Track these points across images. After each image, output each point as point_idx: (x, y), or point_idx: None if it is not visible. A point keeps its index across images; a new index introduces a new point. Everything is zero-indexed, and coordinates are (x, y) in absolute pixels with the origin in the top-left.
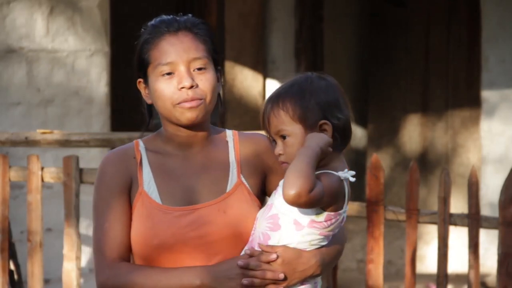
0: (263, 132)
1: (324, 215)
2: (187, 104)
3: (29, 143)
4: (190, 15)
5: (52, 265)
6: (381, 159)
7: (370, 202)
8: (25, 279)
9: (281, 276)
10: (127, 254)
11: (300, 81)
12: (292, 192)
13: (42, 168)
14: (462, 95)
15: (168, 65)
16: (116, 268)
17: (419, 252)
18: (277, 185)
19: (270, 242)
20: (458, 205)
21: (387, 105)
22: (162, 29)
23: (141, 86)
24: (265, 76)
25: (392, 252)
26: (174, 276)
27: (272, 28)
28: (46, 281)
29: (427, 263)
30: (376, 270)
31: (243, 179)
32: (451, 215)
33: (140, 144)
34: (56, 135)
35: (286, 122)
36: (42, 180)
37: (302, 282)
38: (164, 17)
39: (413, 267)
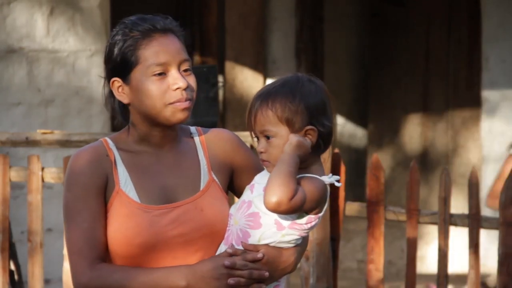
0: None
1: (306, 218)
2: (181, 105)
3: (29, 143)
4: (160, 14)
5: (52, 265)
6: (381, 159)
7: (371, 202)
8: (25, 279)
9: (267, 275)
10: (106, 254)
11: (291, 82)
12: (273, 200)
13: (43, 168)
14: (462, 95)
15: (162, 65)
16: (98, 269)
17: (419, 252)
18: (244, 183)
19: (250, 240)
20: (458, 205)
21: (388, 105)
22: (150, 29)
23: (115, 86)
24: (266, 76)
25: (392, 252)
26: (160, 277)
27: (273, 28)
28: (47, 281)
29: (428, 263)
30: (377, 270)
31: (214, 175)
32: (451, 215)
33: (109, 142)
34: (57, 135)
35: (273, 122)
36: (43, 180)
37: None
38: (144, 16)
39: (413, 267)
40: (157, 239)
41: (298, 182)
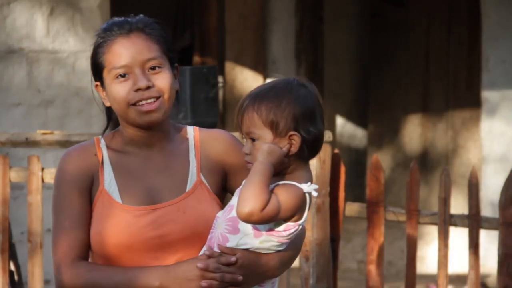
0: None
1: (284, 225)
2: (145, 107)
3: (29, 143)
4: (142, 15)
5: (52, 265)
6: (381, 160)
7: (371, 202)
8: (25, 279)
9: (240, 279)
10: (87, 253)
11: (279, 86)
12: (244, 210)
13: (43, 169)
14: (462, 96)
15: (123, 67)
16: (77, 268)
17: (419, 253)
18: (240, 183)
19: (229, 245)
20: (458, 205)
21: (387, 105)
22: (114, 31)
23: (99, 89)
24: (266, 77)
25: (392, 252)
26: (134, 276)
27: (273, 29)
28: (47, 282)
29: (428, 263)
30: (377, 271)
31: (202, 177)
32: (451, 215)
33: (101, 142)
34: (57, 135)
35: (258, 125)
36: (43, 181)
37: (260, 284)
38: (116, 19)
39: (413, 267)
40: (134, 239)
41: (274, 190)
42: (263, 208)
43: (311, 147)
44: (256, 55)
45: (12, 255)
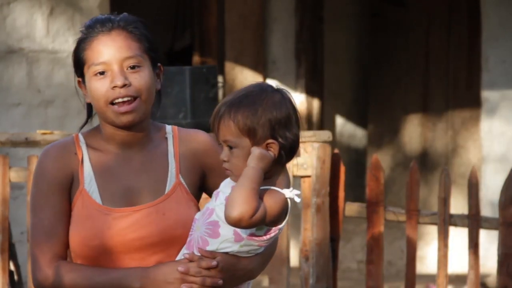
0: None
1: (265, 229)
2: (121, 109)
3: (29, 143)
4: (126, 13)
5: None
6: (381, 160)
7: (370, 202)
8: (25, 279)
9: (220, 282)
10: (66, 252)
11: (255, 93)
12: (234, 215)
13: None
14: (462, 95)
15: (101, 64)
16: (56, 267)
17: (419, 253)
18: (217, 185)
19: (209, 248)
20: (458, 205)
21: (387, 105)
22: (96, 29)
23: (81, 86)
24: (266, 77)
25: (392, 252)
26: (114, 278)
27: (273, 29)
28: None
29: (427, 263)
30: (376, 271)
31: (181, 178)
32: (451, 215)
33: (80, 139)
34: (56, 135)
35: (235, 133)
36: None
37: (238, 286)
38: (99, 16)
39: (413, 267)
40: (114, 241)
41: (260, 196)
42: (253, 215)
43: (288, 152)
44: (256, 55)
45: (12, 255)
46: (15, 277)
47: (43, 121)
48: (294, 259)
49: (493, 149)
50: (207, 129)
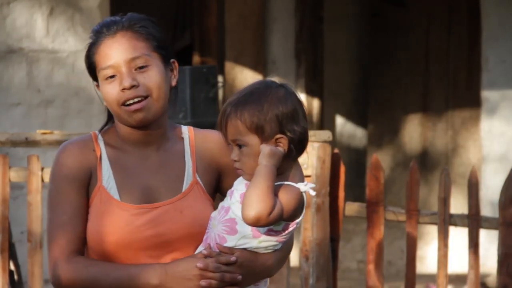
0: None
1: (283, 224)
2: (132, 107)
3: (29, 143)
4: (131, 13)
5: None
6: (381, 159)
7: (370, 202)
8: (25, 279)
9: (239, 278)
10: (83, 248)
11: (259, 90)
12: (251, 215)
13: (42, 169)
14: (462, 95)
15: (109, 68)
16: (74, 262)
17: (419, 253)
18: (231, 185)
19: (227, 245)
20: (458, 205)
21: (387, 105)
22: (102, 33)
23: (98, 89)
24: (265, 77)
25: (392, 252)
26: (133, 274)
27: (272, 29)
28: (46, 281)
29: (427, 263)
30: (376, 271)
31: (198, 178)
32: (451, 215)
33: (98, 137)
34: (56, 135)
35: (243, 132)
36: (42, 181)
37: (255, 283)
38: (106, 20)
39: (413, 267)
40: (131, 238)
41: (275, 193)
42: (271, 213)
43: (298, 146)
44: (256, 55)
45: (12, 255)
46: (15, 277)
47: (43, 121)
48: (294, 259)
49: (493, 149)
50: (207, 129)
